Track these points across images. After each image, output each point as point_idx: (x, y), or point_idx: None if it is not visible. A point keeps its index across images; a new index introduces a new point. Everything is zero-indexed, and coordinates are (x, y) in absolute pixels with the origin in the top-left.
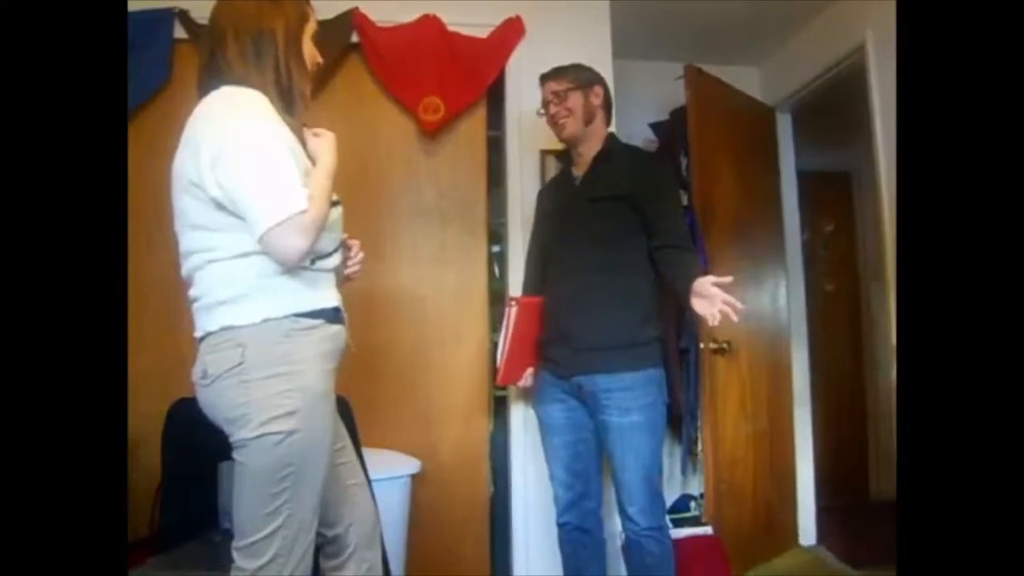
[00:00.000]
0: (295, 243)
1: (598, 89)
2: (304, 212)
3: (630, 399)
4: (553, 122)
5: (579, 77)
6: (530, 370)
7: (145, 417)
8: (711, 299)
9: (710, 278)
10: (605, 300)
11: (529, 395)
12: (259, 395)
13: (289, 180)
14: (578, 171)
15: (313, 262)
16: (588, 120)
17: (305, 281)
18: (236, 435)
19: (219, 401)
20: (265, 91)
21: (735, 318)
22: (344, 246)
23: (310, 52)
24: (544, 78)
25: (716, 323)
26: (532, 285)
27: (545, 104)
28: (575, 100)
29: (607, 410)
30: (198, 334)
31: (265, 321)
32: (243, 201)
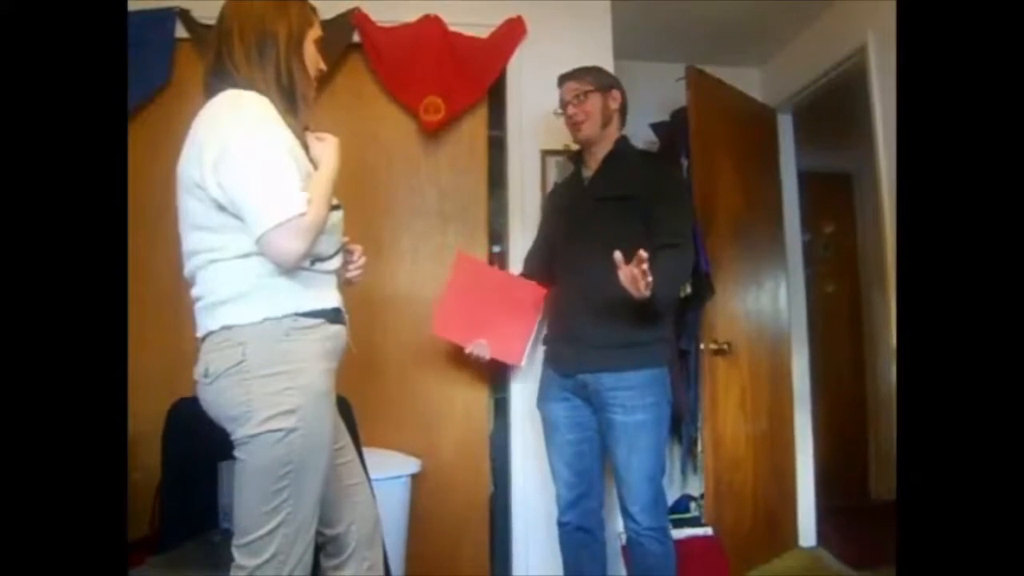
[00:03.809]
0: (292, 246)
1: (616, 93)
2: (302, 215)
3: (635, 398)
4: (571, 123)
5: (599, 80)
6: (482, 342)
7: (146, 416)
8: (627, 280)
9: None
10: (612, 299)
11: (530, 394)
12: (260, 393)
13: (288, 183)
14: (588, 171)
15: (313, 263)
16: (605, 123)
17: (305, 282)
18: (237, 433)
19: (220, 399)
20: (268, 93)
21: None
22: (346, 250)
23: (313, 57)
24: (564, 78)
25: (636, 291)
26: (529, 272)
27: (564, 104)
28: (594, 102)
29: (612, 408)
30: (200, 333)
31: (265, 320)
32: (242, 203)
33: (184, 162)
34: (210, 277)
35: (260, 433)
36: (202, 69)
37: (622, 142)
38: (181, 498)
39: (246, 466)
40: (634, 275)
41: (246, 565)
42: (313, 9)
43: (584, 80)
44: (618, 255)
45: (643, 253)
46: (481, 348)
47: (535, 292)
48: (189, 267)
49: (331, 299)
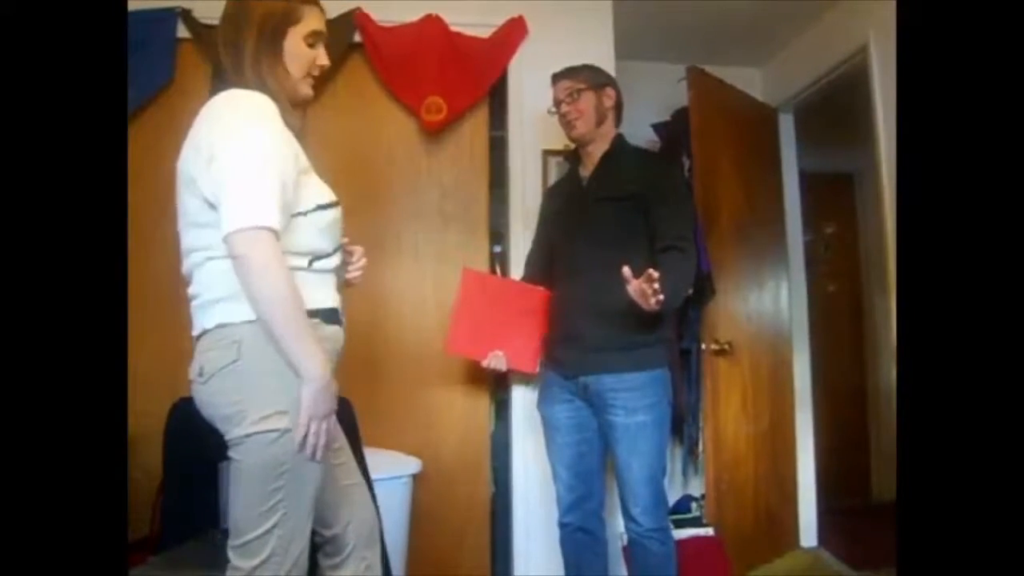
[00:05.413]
0: (250, 253)
1: (610, 91)
2: (266, 229)
3: (636, 399)
4: (565, 121)
5: (592, 78)
6: (499, 353)
7: (146, 416)
8: (639, 295)
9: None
10: (612, 301)
11: (531, 395)
12: (254, 392)
13: (264, 191)
14: (585, 171)
15: (311, 263)
16: (599, 121)
17: (302, 281)
18: (231, 433)
19: (215, 399)
20: (262, 92)
21: (651, 297)
22: (345, 251)
23: (303, 54)
24: (557, 77)
25: (648, 304)
26: (531, 275)
27: (557, 103)
28: (587, 100)
29: (613, 410)
30: (195, 332)
31: (260, 318)
32: (221, 201)
33: (182, 159)
34: (206, 275)
35: (254, 433)
36: (208, 70)
37: (619, 141)
38: (182, 498)
39: (241, 467)
40: (644, 290)
41: (242, 567)
42: (308, 4)
43: (577, 78)
44: (626, 271)
45: (653, 272)
46: (498, 360)
47: (542, 297)
48: (186, 265)
49: (328, 299)
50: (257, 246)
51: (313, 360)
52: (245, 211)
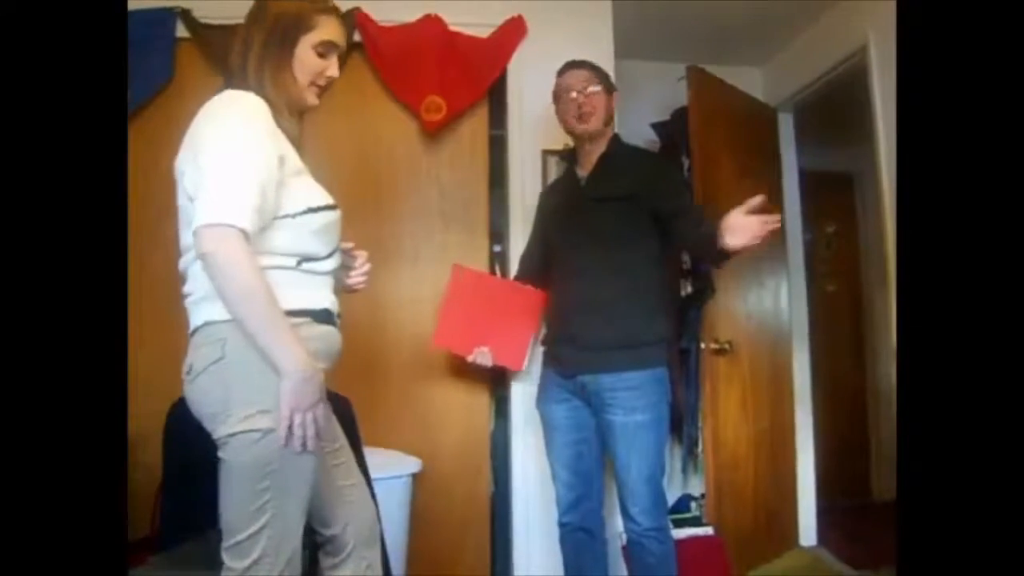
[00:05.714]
0: (217, 249)
1: (616, 96)
2: (237, 228)
3: (635, 398)
4: (579, 112)
5: (606, 80)
6: (484, 349)
7: (146, 416)
8: (743, 228)
9: (736, 212)
10: (611, 300)
11: (531, 394)
12: (238, 391)
13: (238, 192)
14: (583, 171)
15: (300, 264)
16: (607, 122)
17: (293, 281)
18: (217, 432)
19: (202, 397)
20: (259, 94)
21: (771, 226)
22: (349, 255)
23: (310, 61)
24: (573, 65)
25: (759, 234)
26: (526, 274)
27: (567, 91)
28: (601, 99)
29: (611, 409)
30: (189, 330)
31: (232, 316)
32: (197, 196)
33: (178, 159)
34: (198, 273)
35: (238, 432)
36: (207, 69)
37: (616, 140)
38: (182, 497)
39: (229, 466)
40: (759, 222)
41: (235, 567)
42: (328, 9)
43: (594, 74)
44: (758, 198)
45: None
46: (483, 356)
47: (534, 297)
48: (182, 263)
49: (320, 300)
50: (223, 244)
51: (289, 354)
52: (214, 208)
